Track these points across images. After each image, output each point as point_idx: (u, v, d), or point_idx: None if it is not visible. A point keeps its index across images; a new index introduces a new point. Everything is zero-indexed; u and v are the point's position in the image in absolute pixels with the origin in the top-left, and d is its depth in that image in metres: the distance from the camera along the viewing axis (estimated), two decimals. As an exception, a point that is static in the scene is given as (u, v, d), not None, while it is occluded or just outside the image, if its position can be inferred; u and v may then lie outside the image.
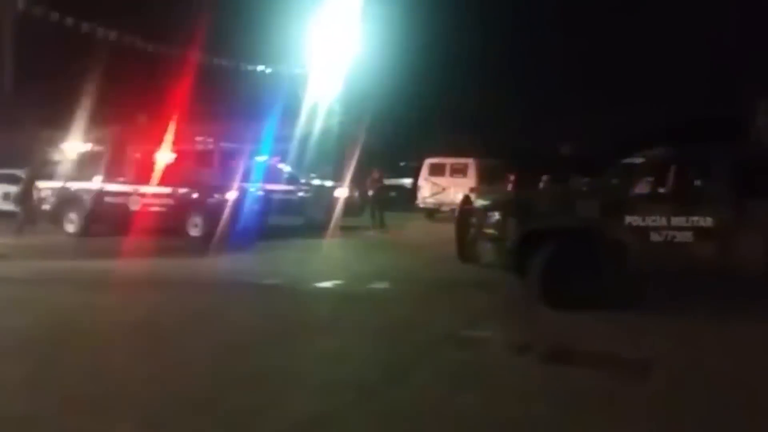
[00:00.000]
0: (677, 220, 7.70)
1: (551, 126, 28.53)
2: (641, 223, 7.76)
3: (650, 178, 8.74)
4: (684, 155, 8.64)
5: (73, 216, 16.45)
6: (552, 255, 7.84)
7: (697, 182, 8.67)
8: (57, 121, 21.59)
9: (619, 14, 27.83)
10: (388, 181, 23.00)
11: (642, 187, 8.56)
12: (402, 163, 29.37)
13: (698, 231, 7.64)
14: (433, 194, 22.36)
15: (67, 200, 16.64)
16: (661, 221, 7.72)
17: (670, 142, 9.66)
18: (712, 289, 8.13)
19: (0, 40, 25.19)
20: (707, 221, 7.64)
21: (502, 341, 6.60)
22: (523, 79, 29.44)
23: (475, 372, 5.70)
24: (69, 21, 16.31)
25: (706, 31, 25.36)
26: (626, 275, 7.99)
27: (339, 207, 18.05)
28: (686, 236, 7.68)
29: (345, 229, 17.50)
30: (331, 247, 15.20)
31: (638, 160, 9.21)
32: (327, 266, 12.03)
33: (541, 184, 19.44)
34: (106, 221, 16.14)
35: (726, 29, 25.33)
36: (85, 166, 17.32)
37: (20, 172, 18.40)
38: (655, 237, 7.72)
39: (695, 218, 7.65)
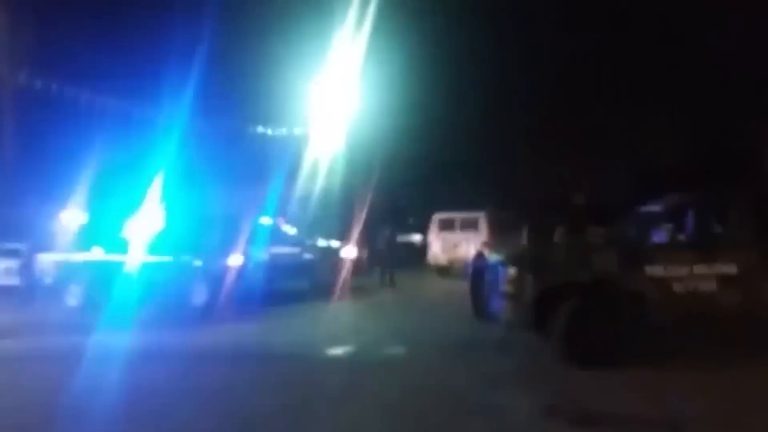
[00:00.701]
0: (699, 268, 7.45)
1: (562, 175, 28.31)
2: (663, 274, 7.47)
3: (668, 226, 8.45)
4: (702, 200, 8.36)
5: (74, 288, 16.15)
6: (574, 312, 7.50)
7: (717, 228, 8.36)
8: (58, 194, 21.49)
9: (627, 56, 27.70)
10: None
11: (660, 236, 8.28)
12: (410, 220, 29.15)
13: (722, 278, 7.41)
14: (445, 250, 21.88)
15: (68, 272, 16.36)
16: (683, 270, 7.44)
17: (687, 186, 9.39)
18: (736, 338, 7.79)
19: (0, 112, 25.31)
20: (731, 268, 7.38)
21: (527, 406, 6.25)
22: (530, 130, 29.33)
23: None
24: (68, 91, 16.30)
25: (716, 64, 25.09)
26: (649, 328, 7.66)
27: (346, 268, 17.68)
28: (710, 285, 7.43)
29: (354, 290, 17.10)
30: (340, 310, 14.76)
31: (655, 208, 8.92)
32: (337, 331, 11.61)
33: (557, 236, 19.08)
34: (108, 292, 15.82)
35: (738, 59, 24.96)
36: (85, 237, 17.10)
37: (21, 246, 18.19)
38: (677, 287, 7.44)
39: (718, 265, 7.39)
